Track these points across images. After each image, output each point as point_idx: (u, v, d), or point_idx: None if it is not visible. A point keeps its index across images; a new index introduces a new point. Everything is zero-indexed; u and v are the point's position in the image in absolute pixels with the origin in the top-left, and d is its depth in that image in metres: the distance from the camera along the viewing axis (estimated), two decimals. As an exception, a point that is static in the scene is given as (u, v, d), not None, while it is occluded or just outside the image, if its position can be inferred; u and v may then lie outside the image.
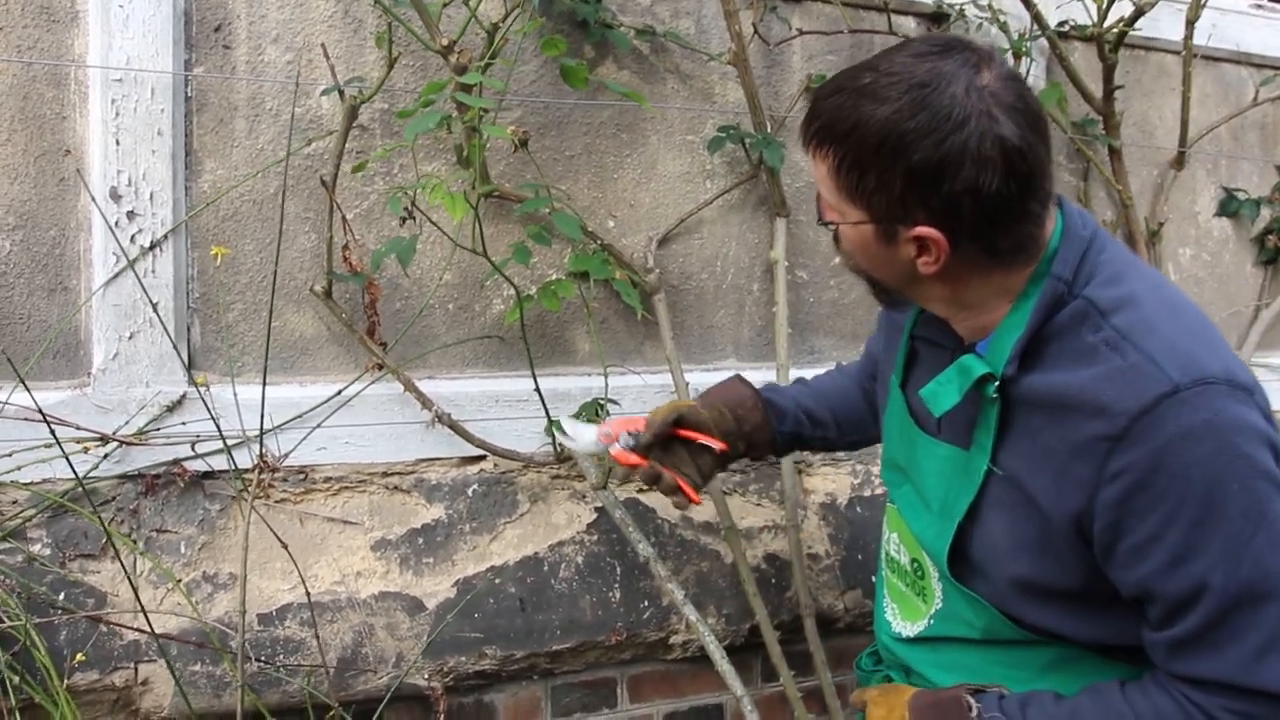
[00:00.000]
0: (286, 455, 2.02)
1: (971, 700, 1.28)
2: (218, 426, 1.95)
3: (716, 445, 1.65)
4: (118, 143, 1.94)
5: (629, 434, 1.64)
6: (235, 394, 1.99)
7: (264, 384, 1.96)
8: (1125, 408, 1.12)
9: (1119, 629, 1.25)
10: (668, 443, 1.65)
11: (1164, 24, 2.86)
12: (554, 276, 2.26)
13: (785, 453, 1.83)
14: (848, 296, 2.57)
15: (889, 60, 1.18)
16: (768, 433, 1.73)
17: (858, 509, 2.48)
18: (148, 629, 1.72)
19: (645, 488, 2.25)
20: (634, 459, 1.64)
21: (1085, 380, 1.17)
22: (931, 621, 1.43)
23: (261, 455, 2.00)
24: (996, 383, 1.23)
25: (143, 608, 1.72)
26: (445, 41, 1.93)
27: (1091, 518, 1.17)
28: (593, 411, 2.17)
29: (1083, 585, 1.24)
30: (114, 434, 1.93)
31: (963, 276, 1.23)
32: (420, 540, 2.12)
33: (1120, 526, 1.15)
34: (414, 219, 1.96)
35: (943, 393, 1.28)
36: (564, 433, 1.71)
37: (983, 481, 1.28)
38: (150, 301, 1.96)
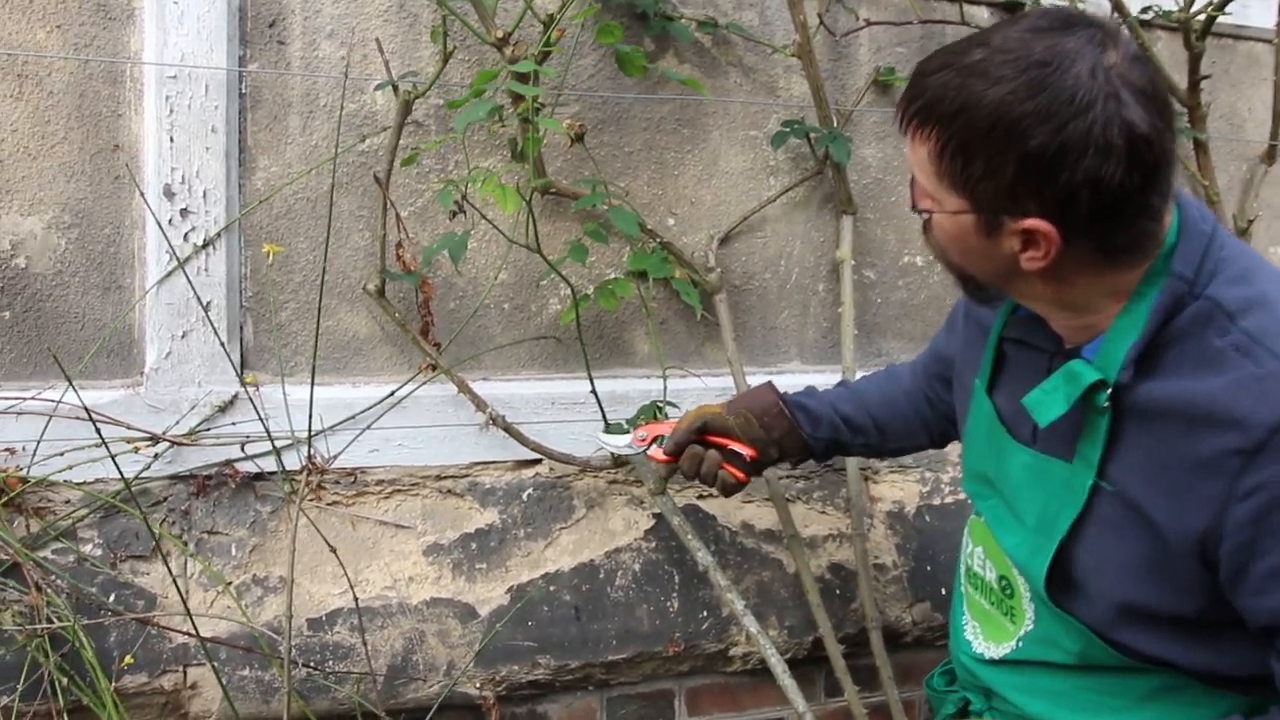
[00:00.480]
0: (335, 457, 1.99)
1: None
2: (266, 428, 1.92)
3: (745, 451, 1.63)
4: (172, 140, 1.92)
5: (661, 438, 1.69)
6: (285, 394, 1.96)
7: (312, 383, 1.92)
8: (1262, 419, 1.02)
9: (1233, 657, 1.15)
10: (698, 448, 1.65)
11: (1254, 10, 2.72)
12: (612, 276, 2.20)
13: (825, 458, 1.78)
14: (917, 297, 2.48)
15: (1002, 35, 1.07)
16: (798, 439, 1.68)
17: (926, 518, 2.38)
18: (195, 632, 1.69)
19: (704, 492, 2.18)
20: (665, 458, 1.68)
21: (1214, 389, 1.07)
22: (1020, 644, 1.34)
23: (310, 457, 1.96)
24: (1108, 391, 1.13)
25: (188, 611, 1.69)
26: (500, 34, 1.89)
27: (1219, 538, 1.07)
28: (650, 414, 2.10)
29: (1198, 611, 1.14)
30: (164, 434, 1.91)
31: (1070, 275, 1.13)
32: (473, 545, 2.07)
33: (1254, 548, 1.05)
34: (466, 215, 1.92)
35: (1048, 401, 1.17)
36: (605, 444, 1.80)
37: (1088, 498, 1.18)
38: (202, 301, 1.94)
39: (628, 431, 1.79)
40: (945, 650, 1.81)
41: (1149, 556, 1.14)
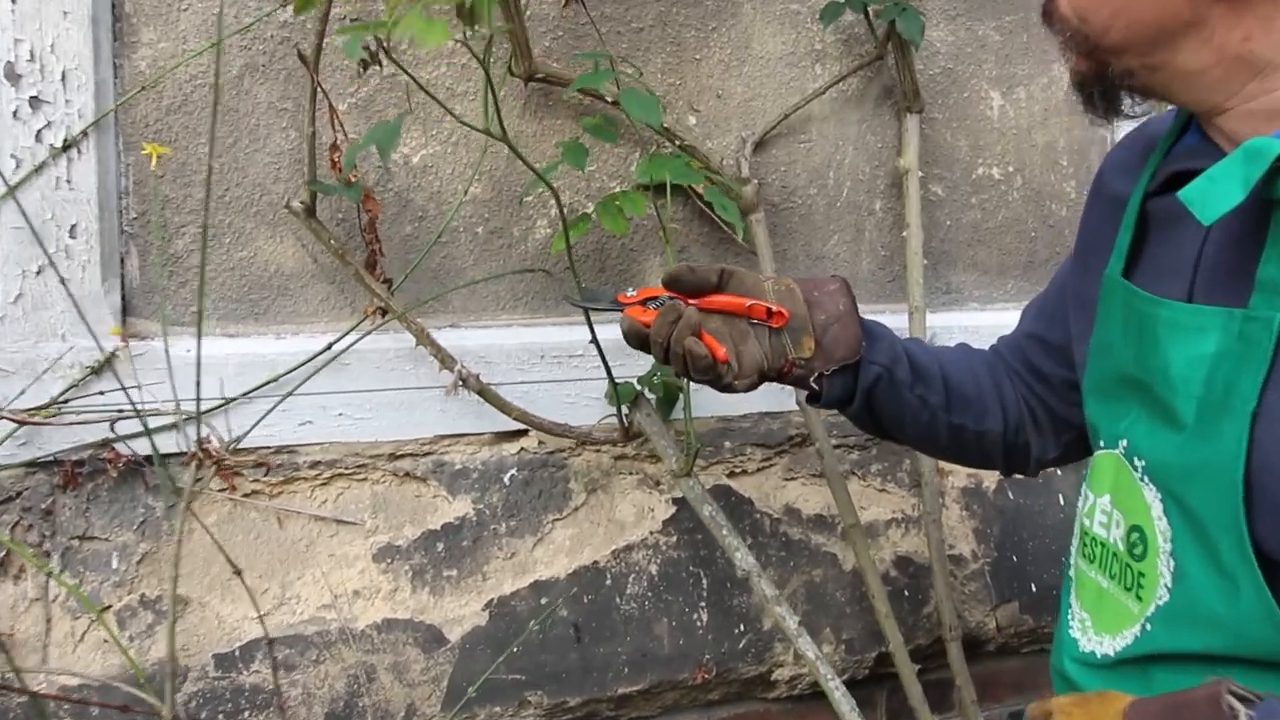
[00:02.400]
0: (239, 439, 1.48)
1: (1238, 705, 0.78)
2: (129, 401, 1.41)
3: (772, 306, 1.11)
4: (14, 0, 1.38)
5: (656, 299, 1.16)
6: (164, 353, 1.44)
7: (199, 334, 1.41)
8: None
9: None
10: (706, 314, 1.12)
11: None
12: (618, 189, 1.69)
13: (860, 406, 1.18)
14: (993, 219, 1.98)
15: None
16: (846, 343, 1.14)
17: (1010, 495, 1.90)
18: (37, 692, 1.19)
19: (736, 468, 1.70)
20: (649, 315, 1.15)
21: None
22: (1147, 627, 0.96)
23: (202, 440, 1.45)
24: None
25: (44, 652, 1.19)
26: None
27: None
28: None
29: None
30: (6, 408, 1.39)
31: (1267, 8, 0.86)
32: (440, 546, 1.58)
33: None
34: (409, 102, 1.39)
35: (1217, 191, 0.86)
36: (577, 298, 1.32)
37: (1277, 343, 0.85)
38: (63, 224, 1.41)
39: (610, 292, 1.24)
40: (1033, 657, 1.36)
41: None
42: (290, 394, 1.51)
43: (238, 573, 1.36)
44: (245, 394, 1.50)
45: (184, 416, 1.45)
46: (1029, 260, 2.01)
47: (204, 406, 1.47)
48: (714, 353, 1.09)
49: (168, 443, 1.47)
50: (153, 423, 1.42)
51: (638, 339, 1.16)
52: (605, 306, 1.22)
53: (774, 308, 1.11)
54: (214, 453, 1.41)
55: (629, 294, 1.19)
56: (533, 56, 1.56)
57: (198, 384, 1.41)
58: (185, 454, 1.44)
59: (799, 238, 1.83)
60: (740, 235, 1.59)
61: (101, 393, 1.42)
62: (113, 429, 1.41)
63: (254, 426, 1.48)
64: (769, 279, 1.16)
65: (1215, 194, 0.86)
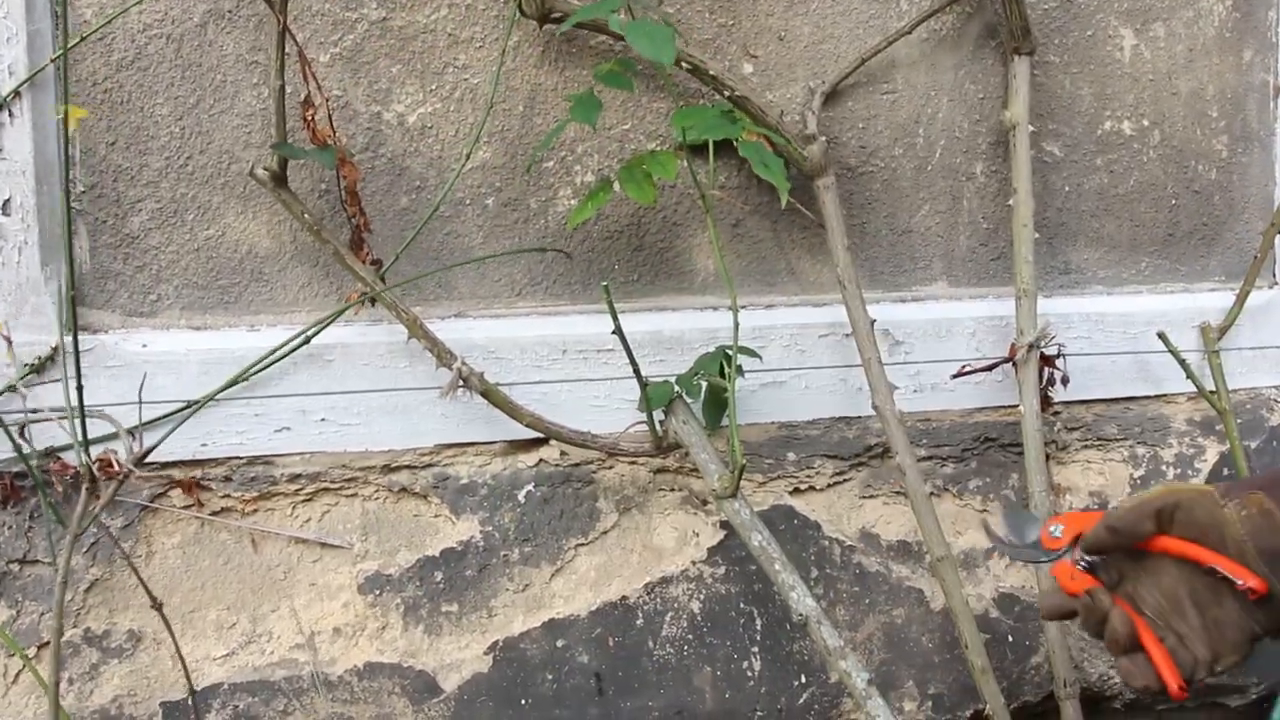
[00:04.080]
0: (149, 450, 1.25)
1: None
2: (78, 402, 1.19)
3: (1246, 580, 0.80)
4: (-67, -63, 1.19)
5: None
6: (116, 348, 1.23)
7: (75, 329, 1.19)
8: None
9: None
10: (1154, 564, 0.85)
11: None
12: (653, 150, 1.41)
13: None
14: (1124, 183, 1.63)
15: None
16: None
17: (1143, 518, 1.57)
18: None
19: (800, 484, 1.41)
20: (1086, 585, 0.88)
21: None
22: None
23: (96, 457, 1.22)
24: None
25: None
26: None
27: None
28: (716, 366, 1.32)
29: None
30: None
31: None
32: (438, 575, 1.33)
33: None
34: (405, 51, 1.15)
35: None
36: (996, 533, 1.00)
37: None
38: (-7, 197, 1.22)
39: (1036, 520, 0.97)
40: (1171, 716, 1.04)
41: None
42: (238, 398, 1.28)
43: (157, 606, 1.14)
44: (214, 394, 1.28)
45: (133, 427, 1.24)
46: (1168, 234, 1.66)
47: (158, 411, 1.26)
48: (1164, 678, 0.81)
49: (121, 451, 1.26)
50: (67, 428, 1.21)
51: (1057, 614, 0.91)
52: (1029, 554, 0.95)
53: (1243, 583, 0.80)
54: (115, 468, 1.18)
55: (1053, 533, 0.92)
56: (545, -8, 1.29)
57: (76, 383, 1.18)
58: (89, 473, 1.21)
59: (880, 208, 1.52)
60: (784, 199, 1.28)
61: (54, 385, 1.21)
62: (22, 434, 1.19)
63: (164, 438, 1.25)
64: (1228, 496, 0.83)
65: None
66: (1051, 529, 0.92)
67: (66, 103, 1.18)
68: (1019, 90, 1.53)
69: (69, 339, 1.23)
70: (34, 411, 1.22)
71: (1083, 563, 0.88)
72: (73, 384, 1.20)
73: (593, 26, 1.34)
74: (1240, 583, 0.79)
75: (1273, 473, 0.89)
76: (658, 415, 1.32)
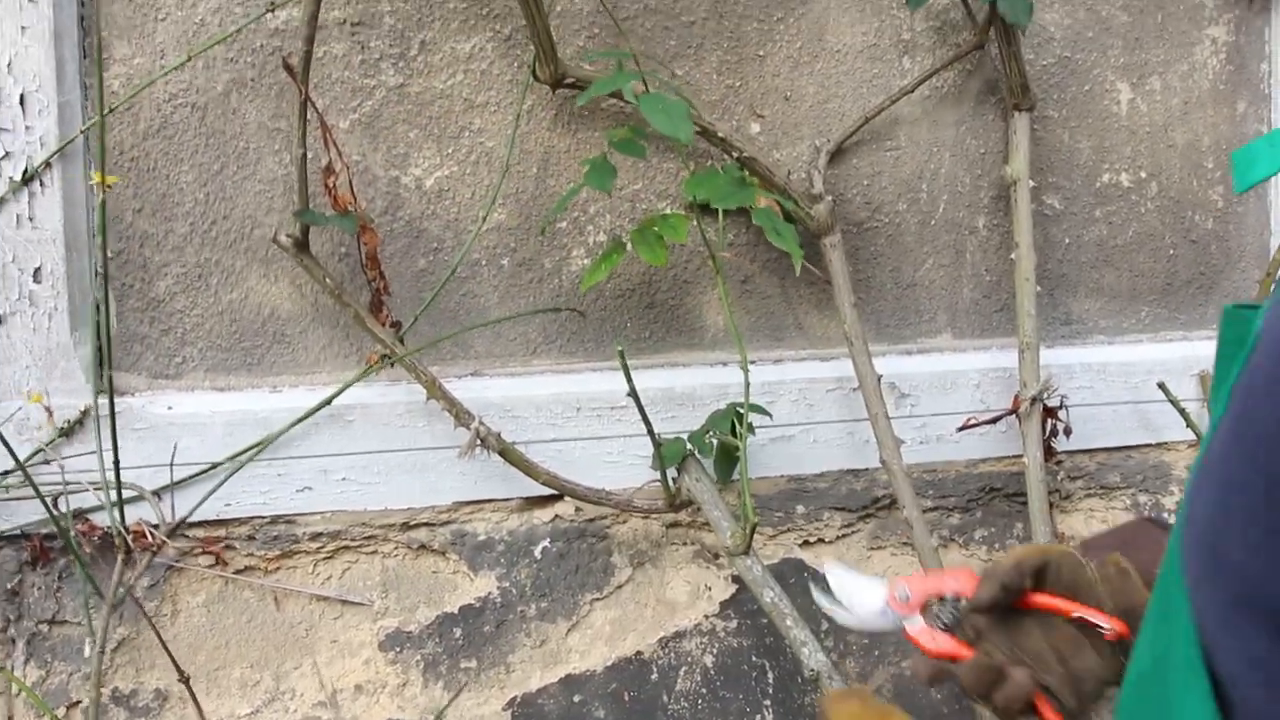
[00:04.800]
0: (184, 519, 1.28)
1: None
2: (104, 476, 1.22)
3: (1109, 625, 0.83)
4: (-34, 15, 1.22)
5: (944, 601, 0.89)
6: (143, 411, 1.26)
7: (110, 392, 1.22)
8: None
9: None
10: (1014, 620, 0.86)
11: None
12: (666, 211, 1.45)
13: None
14: (1122, 234, 1.67)
15: None
16: None
17: (1146, 564, 1.59)
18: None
19: (809, 537, 1.44)
20: (950, 646, 0.87)
21: None
22: None
23: (142, 527, 1.25)
24: None
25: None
26: None
27: None
28: (728, 424, 1.35)
29: None
30: (-46, 480, 1.23)
31: None
32: (457, 632, 1.36)
33: None
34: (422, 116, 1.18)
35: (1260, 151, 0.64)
36: (826, 592, 0.95)
37: None
38: (24, 267, 1.25)
39: (875, 583, 0.93)
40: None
41: None
42: (253, 460, 1.31)
43: (184, 680, 1.17)
44: (234, 456, 1.31)
45: (159, 489, 1.26)
46: (1167, 283, 1.69)
47: (185, 474, 1.29)
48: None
49: (147, 512, 1.28)
50: (100, 496, 1.23)
51: (937, 680, 0.89)
52: (871, 621, 0.92)
53: (1111, 628, 0.82)
54: (149, 539, 1.21)
55: (900, 596, 0.89)
56: (559, 58, 1.33)
57: (109, 451, 1.21)
58: (129, 532, 1.24)
59: (885, 262, 1.56)
60: (798, 267, 1.32)
61: (84, 454, 1.24)
62: (56, 505, 1.22)
63: (197, 506, 1.28)
64: (1088, 556, 0.86)
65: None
66: (898, 592, 0.90)
67: (103, 170, 1.20)
68: (1019, 146, 1.57)
69: (103, 402, 1.26)
70: (66, 475, 1.24)
71: (940, 622, 0.88)
72: (108, 455, 1.22)
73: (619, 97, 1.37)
74: (1108, 628, 0.82)
75: (1123, 531, 0.91)
76: (671, 473, 1.35)
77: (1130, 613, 0.82)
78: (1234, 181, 0.67)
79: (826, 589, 0.95)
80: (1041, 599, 0.84)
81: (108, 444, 1.25)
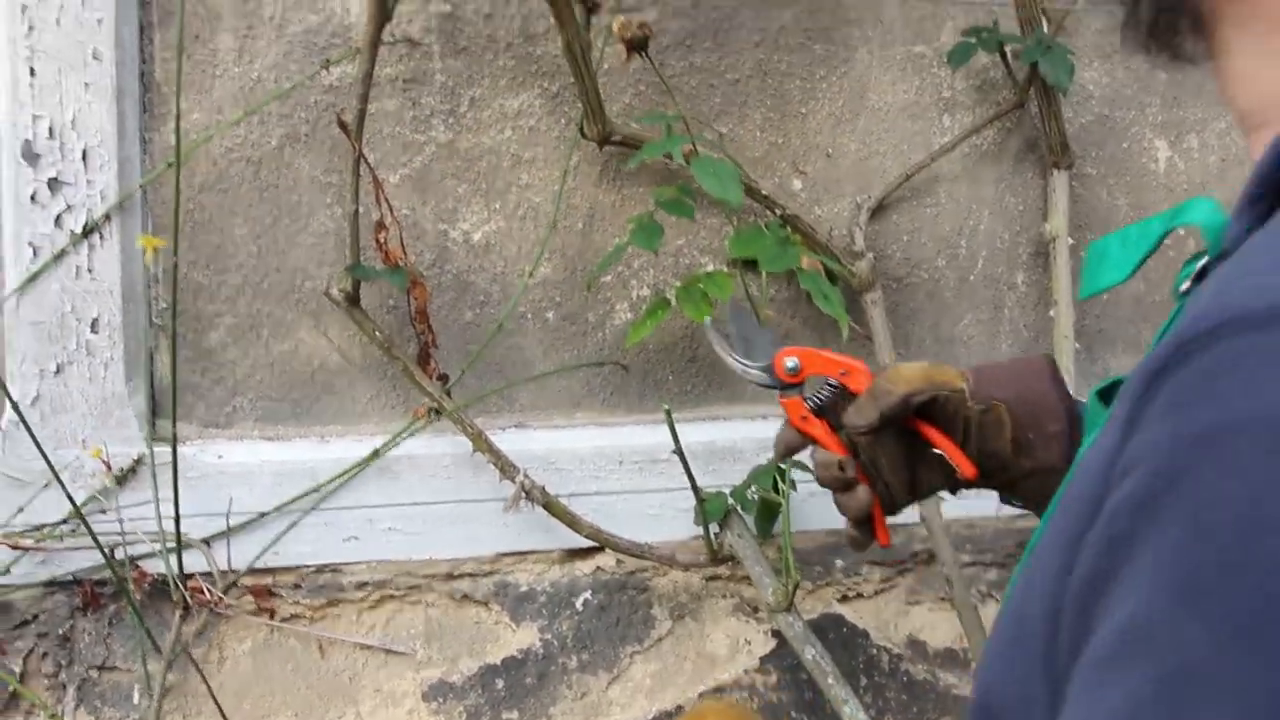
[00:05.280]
0: (241, 574, 1.30)
1: None
2: (175, 513, 1.24)
3: (965, 469, 0.85)
4: (32, 72, 1.25)
5: (824, 383, 0.91)
6: (196, 460, 1.28)
7: (174, 445, 1.24)
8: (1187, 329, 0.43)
9: None
10: (886, 430, 0.88)
11: None
12: (708, 267, 1.46)
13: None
14: (1158, 291, 1.68)
15: None
16: (1057, 459, 0.87)
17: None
18: None
19: (848, 592, 1.44)
20: (816, 429, 0.90)
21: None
22: None
23: (199, 584, 1.27)
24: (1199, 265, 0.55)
25: None
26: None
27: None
28: (769, 479, 1.36)
29: None
30: (17, 523, 1.25)
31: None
32: (499, 683, 1.37)
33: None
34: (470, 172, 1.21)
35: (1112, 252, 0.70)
36: (722, 336, 0.97)
37: None
38: (83, 318, 1.27)
39: (766, 337, 0.96)
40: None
41: None
42: (304, 511, 1.32)
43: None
44: (281, 506, 1.33)
45: (201, 539, 1.28)
46: (1204, 338, 1.70)
47: (234, 522, 1.31)
48: (879, 534, 0.90)
49: (198, 560, 1.30)
50: (153, 547, 1.25)
51: (792, 451, 0.95)
52: (760, 378, 0.94)
53: (961, 472, 0.85)
54: (207, 595, 1.23)
55: (789, 367, 0.92)
56: (606, 116, 1.35)
57: (170, 504, 1.23)
58: (187, 582, 1.26)
59: (924, 318, 1.57)
60: (845, 333, 1.34)
61: (136, 504, 1.26)
62: (112, 554, 1.24)
63: (255, 561, 1.30)
64: (975, 398, 0.89)
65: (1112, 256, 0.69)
66: (788, 363, 0.92)
67: (176, 222, 1.23)
68: (1058, 204, 1.58)
69: (159, 450, 1.28)
70: (120, 521, 1.26)
71: (812, 402, 0.90)
72: (165, 505, 1.24)
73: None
74: (960, 471, 0.85)
75: (1017, 371, 0.91)
76: (713, 527, 1.37)
77: (992, 457, 0.86)
78: (1081, 283, 0.70)
79: (723, 333, 0.97)
80: (924, 426, 0.86)
81: (164, 493, 1.27)
